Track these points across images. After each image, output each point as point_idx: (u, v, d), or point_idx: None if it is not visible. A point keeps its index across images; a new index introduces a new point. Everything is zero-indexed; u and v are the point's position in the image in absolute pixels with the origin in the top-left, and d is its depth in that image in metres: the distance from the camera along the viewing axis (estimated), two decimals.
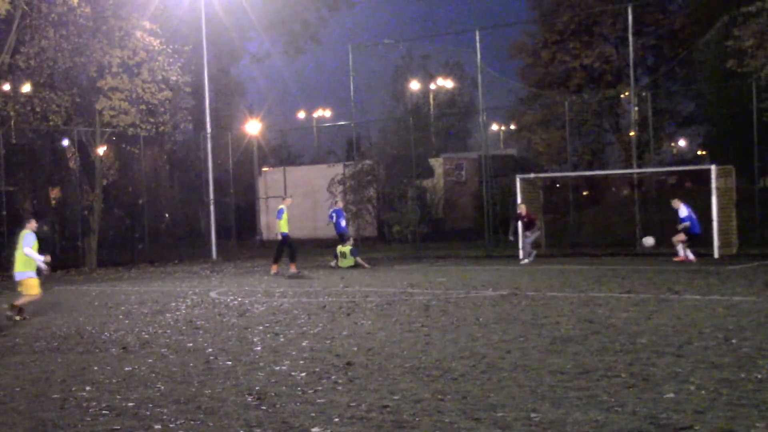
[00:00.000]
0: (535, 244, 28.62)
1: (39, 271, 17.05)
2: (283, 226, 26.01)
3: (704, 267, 23.35)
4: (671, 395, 8.24)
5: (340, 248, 28.35)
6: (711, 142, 44.21)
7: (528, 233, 28.01)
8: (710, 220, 26.91)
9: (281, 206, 26.46)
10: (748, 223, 30.01)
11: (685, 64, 41.76)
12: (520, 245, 28.44)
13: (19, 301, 16.75)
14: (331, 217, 29.56)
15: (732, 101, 34.55)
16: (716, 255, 26.54)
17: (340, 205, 31.77)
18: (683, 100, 45.34)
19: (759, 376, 8.89)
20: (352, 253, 28.08)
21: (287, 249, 26.24)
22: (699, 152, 50.97)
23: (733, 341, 11.07)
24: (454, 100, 53.78)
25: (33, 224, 17.15)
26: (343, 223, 29.64)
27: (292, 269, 25.84)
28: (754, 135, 31.11)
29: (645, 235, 27.78)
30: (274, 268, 26.36)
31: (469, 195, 46.52)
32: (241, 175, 45.80)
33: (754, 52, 30.62)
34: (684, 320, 13.15)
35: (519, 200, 29.71)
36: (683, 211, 25.93)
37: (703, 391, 8.34)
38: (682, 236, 25.74)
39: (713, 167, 27.62)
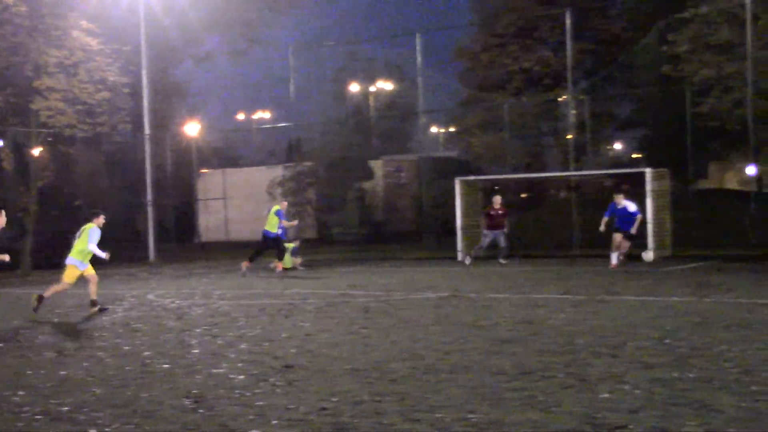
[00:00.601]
0: (491, 245, 28.19)
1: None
2: (272, 226, 25.88)
3: (640, 268, 23.67)
4: (607, 395, 8.35)
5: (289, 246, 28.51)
6: (647, 146, 44.86)
7: (487, 231, 27.76)
8: (645, 222, 27.27)
9: (279, 208, 26.41)
10: (682, 225, 30.47)
11: (623, 69, 42.31)
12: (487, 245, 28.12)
13: (47, 292, 17.19)
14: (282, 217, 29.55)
15: (667, 105, 35.09)
16: (651, 257, 26.87)
17: (285, 205, 31.62)
18: (620, 104, 45.91)
19: (692, 376, 9.04)
20: (292, 252, 28.07)
21: (257, 248, 26.51)
22: (635, 155, 51.65)
23: (668, 341, 11.25)
24: (394, 103, 53.85)
25: (101, 219, 17.46)
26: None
27: (244, 266, 25.82)
28: (687, 139, 31.62)
29: (575, 238, 27.86)
30: (279, 266, 26.19)
31: (409, 197, 46.63)
32: (181, 177, 45.43)
33: (688, 58, 31.13)
34: (620, 321, 13.33)
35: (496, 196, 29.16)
36: (632, 206, 24.21)
37: (637, 391, 8.46)
38: (626, 243, 24.15)
39: (648, 170, 28.02)
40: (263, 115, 67.06)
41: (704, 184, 45.47)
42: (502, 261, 27.38)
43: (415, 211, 42.97)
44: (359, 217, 39.11)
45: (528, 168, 44.09)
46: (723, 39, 30.31)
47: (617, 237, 24.00)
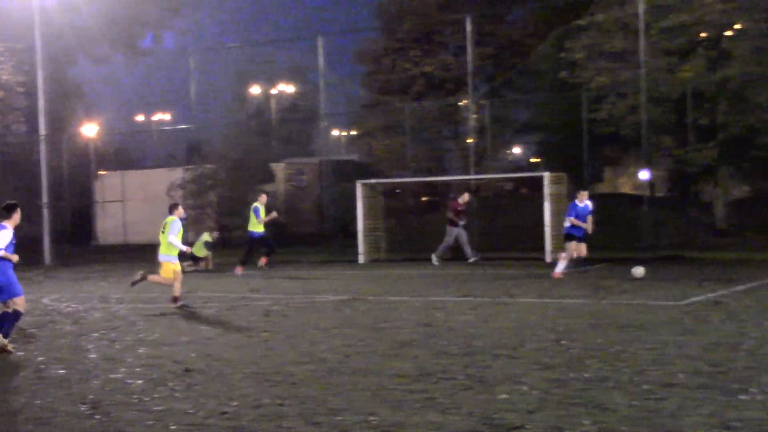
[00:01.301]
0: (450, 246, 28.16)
1: (182, 255, 17.83)
2: (255, 225, 25.96)
3: (538, 271, 24.04)
4: (505, 396, 8.48)
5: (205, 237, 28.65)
6: (545, 150, 45.59)
7: (455, 229, 27.66)
8: (543, 226, 27.74)
9: (257, 204, 26.22)
10: None
11: (522, 74, 42.98)
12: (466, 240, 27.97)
13: (153, 277, 17.83)
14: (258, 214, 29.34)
15: (564, 111, 35.76)
16: (548, 259, 27.35)
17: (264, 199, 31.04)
18: (519, 109, 46.59)
19: (587, 376, 9.24)
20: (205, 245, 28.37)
21: (247, 250, 26.69)
22: (533, 159, 52.48)
23: (564, 342, 11.47)
24: (296, 105, 53.76)
25: (180, 211, 17.99)
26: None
27: (239, 271, 25.89)
28: (584, 144, 32.26)
29: (468, 245, 27.96)
30: (263, 261, 26.29)
31: (311, 200, 46.57)
32: (78, 179, 44.58)
33: (585, 64, 31.80)
34: (518, 323, 13.54)
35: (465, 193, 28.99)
36: (591, 204, 22.01)
37: (535, 391, 8.62)
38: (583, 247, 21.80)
39: (546, 174, 28.48)
40: (163, 116, 66.26)
41: (600, 188, 46.42)
42: (434, 261, 27.38)
43: (317, 214, 42.96)
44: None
45: (429, 172, 44.43)
46: (617, 47, 31.03)
47: (572, 244, 21.41)
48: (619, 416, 7.59)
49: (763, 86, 29.33)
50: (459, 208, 27.87)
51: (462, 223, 28.08)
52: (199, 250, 28.43)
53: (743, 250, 28.94)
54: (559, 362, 10.10)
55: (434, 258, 27.61)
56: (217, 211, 41.78)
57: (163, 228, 17.44)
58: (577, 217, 21.21)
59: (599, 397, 8.27)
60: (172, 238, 17.24)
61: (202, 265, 28.25)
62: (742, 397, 8.09)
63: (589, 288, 18.77)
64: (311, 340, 12.43)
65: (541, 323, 13.41)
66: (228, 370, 10.38)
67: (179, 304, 17.22)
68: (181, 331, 13.90)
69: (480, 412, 7.92)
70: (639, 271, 20.29)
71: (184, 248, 17.57)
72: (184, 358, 11.26)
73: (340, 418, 7.89)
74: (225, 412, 8.22)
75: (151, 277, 17.80)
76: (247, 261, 26.34)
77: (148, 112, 68.66)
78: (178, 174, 41.24)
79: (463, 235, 28.00)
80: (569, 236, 21.45)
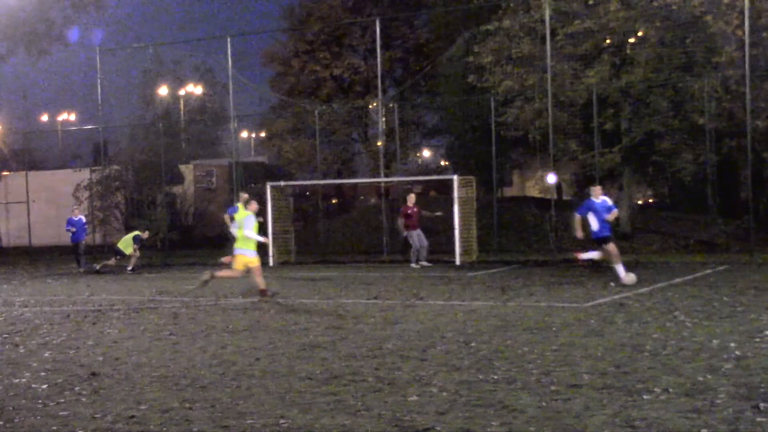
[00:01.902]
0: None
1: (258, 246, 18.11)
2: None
3: (446, 274, 24.25)
4: (415, 398, 8.53)
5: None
6: (453, 154, 46.02)
7: (409, 232, 27.23)
8: (452, 228, 27.98)
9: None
10: (487, 232, 31.46)
11: (430, 78, 43.32)
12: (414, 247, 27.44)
13: (220, 273, 18.31)
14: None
15: (473, 115, 36.13)
16: (457, 262, 27.61)
17: (77, 214, 30.77)
18: (428, 112, 46.96)
19: (495, 377, 9.36)
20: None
21: None
22: (443, 162, 52.92)
23: (473, 344, 11.58)
24: (205, 107, 53.30)
25: (254, 206, 18.32)
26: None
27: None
28: (492, 148, 32.64)
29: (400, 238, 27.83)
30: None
31: (220, 202, 46.22)
32: None
33: (492, 69, 32.17)
34: (428, 325, 13.63)
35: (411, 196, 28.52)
36: (609, 199, 20.24)
37: (444, 393, 8.69)
38: (614, 245, 19.62)
39: (455, 177, 28.74)
40: (69, 116, 65.12)
41: (508, 192, 47.05)
42: (414, 265, 26.92)
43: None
44: (168, 222, 38.47)
45: (339, 174, 44.48)
46: (524, 52, 31.46)
47: (613, 246, 19.34)
48: (527, 417, 7.70)
49: (664, 93, 30.06)
50: (408, 211, 27.62)
51: (407, 229, 27.51)
52: (127, 246, 28.44)
53: (646, 252, 29.62)
54: (468, 364, 10.20)
55: (413, 265, 26.96)
56: (123, 213, 41.23)
57: (239, 223, 18.06)
58: (595, 213, 19.27)
59: (507, 399, 8.38)
60: (248, 232, 17.70)
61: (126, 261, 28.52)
62: (646, 396, 8.27)
63: (497, 290, 19.00)
64: (220, 343, 12.35)
65: (450, 325, 13.52)
66: (135, 373, 10.25)
67: (270, 293, 17.90)
68: (87, 334, 13.68)
69: (390, 414, 7.96)
70: (631, 277, 18.97)
71: (262, 239, 18.22)
72: (91, 362, 11.09)
73: (250, 421, 7.86)
74: (132, 416, 8.12)
75: (220, 274, 18.21)
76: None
77: (53, 112, 67.43)
78: (84, 175, 40.60)
79: (414, 239, 27.58)
80: (604, 239, 19.29)
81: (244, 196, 26.02)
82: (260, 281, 18.05)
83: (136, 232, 29.15)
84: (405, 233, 27.55)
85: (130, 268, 28.61)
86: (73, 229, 29.89)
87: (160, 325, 14.67)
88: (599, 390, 8.62)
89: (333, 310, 16.20)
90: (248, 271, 18.05)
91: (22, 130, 55.15)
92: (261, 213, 31.62)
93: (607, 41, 31.06)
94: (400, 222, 27.90)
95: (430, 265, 26.90)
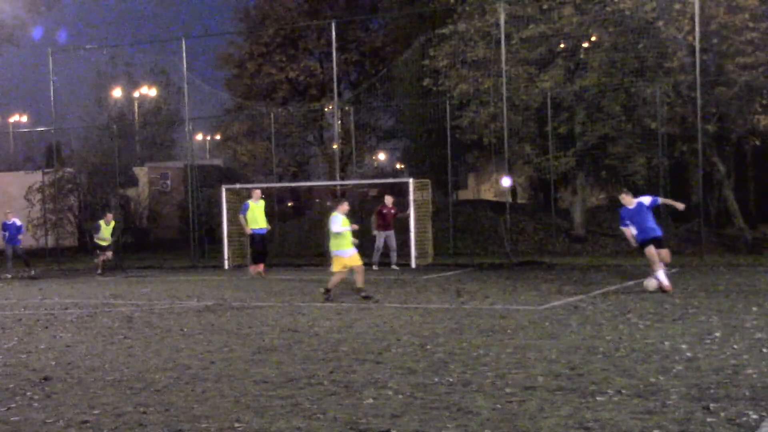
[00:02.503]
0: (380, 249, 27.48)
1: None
2: (256, 222, 25.25)
3: (401, 276, 24.28)
4: (370, 400, 8.55)
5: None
6: (409, 157, 46.12)
7: (378, 232, 27.06)
8: (407, 231, 28.04)
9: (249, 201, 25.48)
10: (442, 234, 31.57)
11: (386, 81, 43.38)
12: (380, 247, 27.29)
13: (331, 283, 17.94)
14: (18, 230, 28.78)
15: (428, 118, 36.24)
16: (413, 265, 27.66)
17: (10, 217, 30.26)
18: (384, 116, 47.02)
19: (450, 380, 9.39)
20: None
21: (254, 249, 26.10)
22: (398, 165, 53.03)
23: (428, 347, 11.62)
24: (159, 109, 52.99)
25: (345, 207, 18.32)
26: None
27: (253, 271, 25.66)
28: (448, 151, 32.77)
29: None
30: (260, 268, 25.34)
31: (175, 205, 45.96)
32: None
33: (448, 73, 32.30)
34: (383, 328, 13.65)
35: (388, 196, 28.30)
36: (646, 198, 18.66)
37: (400, 396, 8.71)
38: (652, 249, 17.91)
39: (411, 180, 28.80)
40: (20, 118, 64.39)
41: (463, 195, 47.21)
42: (395, 267, 26.83)
43: (181, 218, 42.43)
44: (122, 225, 38.19)
45: (294, 177, 44.39)
46: (479, 55, 31.62)
47: (650, 250, 17.86)
48: (482, 419, 7.74)
49: (616, 97, 30.36)
50: (384, 210, 27.45)
51: (377, 229, 27.36)
52: (104, 239, 28.27)
53: (599, 255, 29.89)
54: (423, 367, 10.23)
55: (374, 267, 26.70)
56: (77, 216, 40.86)
57: (330, 224, 18.04)
58: (631, 220, 18.27)
59: (462, 401, 8.41)
60: (336, 227, 17.77)
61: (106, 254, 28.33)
62: (599, 398, 8.35)
63: (451, 293, 19.07)
64: (174, 347, 12.28)
65: (405, 328, 13.55)
66: (89, 377, 10.17)
67: (363, 294, 17.90)
68: (39, 338, 13.54)
69: (345, 417, 7.96)
70: (652, 283, 17.75)
71: (353, 227, 18.07)
72: (43, 366, 10.98)
73: (205, 424, 7.82)
74: (86, 421, 8.05)
75: (331, 284, 17.96)
76: (259, 259, 25.91)
77: (5, 113, 66.63)
78: (36, 177, 40.17)
79: (381, 240, 27.47)
80: (643, 242, 18.13)
81: (257, 192, 25.85)
82: (360, 280, 18.05)
83: (100, 222, 28.65)
84: (375, 232, 27.46)
85: (98, 271, 28.18)
86: (6, 233, 29.39)
87: (113, 328, 14.56)
88: (553, 392, 8.68)
89: (288, 313, 16.17)
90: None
91: None
92: (216, 216, 31.60)
93: (561, 46, 31.33)
94: (373, 219, 27.74)
95: (397, 269, 26.82)
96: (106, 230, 28.51)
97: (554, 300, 17.00)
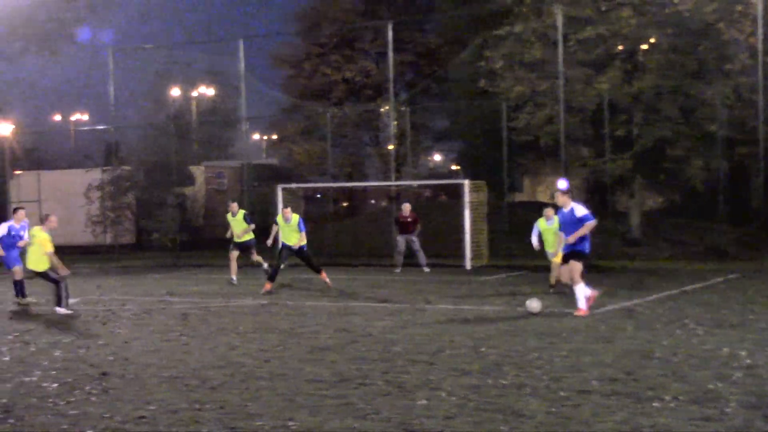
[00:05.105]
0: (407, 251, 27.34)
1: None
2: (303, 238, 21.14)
3: (456, 278, 24.23)
4: (424, 402, 8.54)
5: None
6: (464, 158, 46.01)
7: (413, 237, 26.88)
8: (463, 233, 27.97)
9: (296, 215, 21.46)
10: (497, 236, 31.43)
11: (441, 82, 43.33)
12: (402, 251, 27.19)
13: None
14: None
15: (484, 119, 36.10)
16: (467, 266, 27.59)
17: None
18: (439, 117, 46.94)
19: (504, 382, 9.35)
20: None
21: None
22: (453, 167, 52.91)
23: (482, 349, 11.58)
24: (216, 108, 53.42)
25: (549, 213, 19.27)
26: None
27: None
28: (503, 152, 32.63)
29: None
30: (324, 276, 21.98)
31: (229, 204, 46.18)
32: None
33: (503, 74, 32.15)
34: (436, 329, 13.63)
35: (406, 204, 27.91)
36: (580, 209, 15.65)
37: (453, 398, 8.69)
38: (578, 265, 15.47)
39: (466, 182, 28.71)
40: (81, 116, 65.25)
41: (519, 197, 46.95)
42: (425, 269, 26.66)
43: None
44: (179, 223, 38.53)
45: (349, 177, 44.48)
46: (536, 57, 31.44)
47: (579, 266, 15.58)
48: (536, 422, 7.70)
49: (675, 99, 30.02)
50: (401, 219, 27.45)
51: (399, 234, 27.29)
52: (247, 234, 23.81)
53: (655, 259, 29.56)
54: (476, 368, 10.20)
55: (425, 268, 26.65)
56: (134, 213, 41.30)
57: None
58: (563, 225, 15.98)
59: (516, 404, 8.38)
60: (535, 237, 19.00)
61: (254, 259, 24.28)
62: (655, 404, 8.26)
63: (506, 295, 18.99)
64: (229, 345, 12.37)
65: (458, 329, 13.52)
66: (145, 373, 10.28)
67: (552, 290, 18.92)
68: (98, 334, 13.72)
69: (398, 417, 7.96)
70: (534, 304, 15.57)
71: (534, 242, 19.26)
72: (101, 362, 11.12)
73: (259, 422, 7.87)
74: (142, 417, 8.14)
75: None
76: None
77: (66, 112, 67.56)
78: (95, 175, 40.67)
79: (400, 245, 27.43)
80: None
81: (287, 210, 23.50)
82: (553, 276, 19.13)
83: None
84: (396, 238, 27.54)
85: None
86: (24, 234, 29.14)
87: (169, 325, 14.71)
88: (608, 396, 8.61)
89: (341, 313, 16.21)
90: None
91: (34, 130, 55.33)
92: (272, 215, 31.71)
93: (619, 47, 31.04)
94: (394, 228, 27.90)
95: (427, 270, 26.67)
96: (236, 223, 23.95)
97: (609, 304, 16.85)
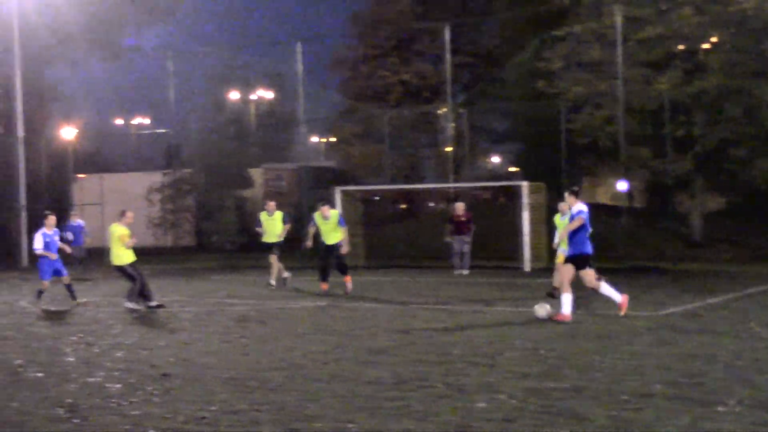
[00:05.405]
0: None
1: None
2: (329, 237, 20.76)
3: (515, 280, 24.11)
4: (483, 404, 8.50)
5: None
6: (522, 160, 45.75)
7: (467, 238, 26.92)
8: (521, 235, 27.82)
9: (335, 211, 21.43)
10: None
11: (499, 83, 43.14)
12: (458, 251, 27.08)
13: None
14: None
15: (542, 121, 35.90)
16: (527, 268, 27.43)
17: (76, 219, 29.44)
18: (497, 118, 46.76)
19: (564, 385, 9.28)
20: None
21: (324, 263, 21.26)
22: (512, 168, 52.63)
23: (541, 352, 11.50)
24: (274, 111, 53.75)
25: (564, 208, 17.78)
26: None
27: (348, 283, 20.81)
28: (561, 154, 32.41)
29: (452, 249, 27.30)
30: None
31: (289, 206, 46.43)
32: (55, 182, 44.33)
33: (562, 75, 31.94)
34: (495, 331, 13.57)
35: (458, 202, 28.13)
36: (577, 207, 15.39)
37: (513, 400, 8.64)
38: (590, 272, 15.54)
39: (525, 184, 28.56)
40: (142, 120, 66.06)
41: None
42: (464, 272, 26.62)
43: (295, 219, 42.87)
44: (238, 225, 38.81)
45: (406, 179, 44.45)
46: (595, 57, 31.20)
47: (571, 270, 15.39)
48: (597, 426, 7.62)
49: (737, 99, 29.57)
50: (455, 219, 27.41)
51: (451, 234, 27.25)
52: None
53: (718, 262, 29.15)
54: (536, 371, 10.14)
55: (463, 271, 26.66)
56: (194, 216, 41.69)
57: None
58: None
59: (577, 407, 8.30)
60: (562, 234, 16.87)
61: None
62: (719, 408, 8.14)
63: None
64: (288, 347, 12.42)
65: (518, 332, 13.45)
66: (205, 374, 10.36)
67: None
68: (159, 336, 13.86)
69: (457, 420, 7.93)
70: (543, 310, 15.21)
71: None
72: (162, 363, 11.23)
73: (318, 424, 7.89)
74: (203, 417, 8.20)
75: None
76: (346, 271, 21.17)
77: (127, 116, 68.40)
78: (156, 178, 41.13)
79: (455, 245, 27.34)
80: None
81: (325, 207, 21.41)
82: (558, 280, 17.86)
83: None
84: (448, 239, 27.39)
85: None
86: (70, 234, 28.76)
87: (229, 327, 14.81)
88: (671, 400, 8.50)
89: (400, 314, 16.20)
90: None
91: (96, 133, 56.09)
92: None
93: (680, 47, 30.68)
94: (447, 228, 27.70)
95: (465, 273, 26.49)
96: (272, 223, 23.34)
97: (671, 306, 16.66)
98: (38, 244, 18.74)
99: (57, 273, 18.92)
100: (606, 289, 15.44)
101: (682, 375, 9.74)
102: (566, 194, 15.86)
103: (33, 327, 15.38)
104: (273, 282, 22.46)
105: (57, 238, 19.00)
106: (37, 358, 11.86)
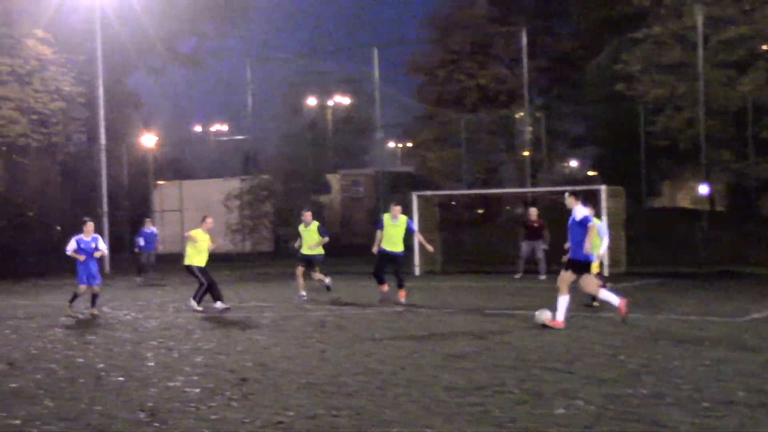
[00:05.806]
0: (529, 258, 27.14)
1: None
2: (393, 244, 19.80)
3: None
4: (561, 411, 8.42)
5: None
6: (601, 163, 45.32)
7: (541, 244, 26.71)
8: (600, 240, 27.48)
9: (404, 216, 20.13)
10: (635, 243, 30.80)
11: (576, 87, 42.78)
12: (524, 257, 27.08)
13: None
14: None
15: (620, 124, 35.51)
16: (606, 273, 27.10)
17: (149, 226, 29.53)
18: (574, 121, 46.40)
19: (644, 392, 9.14)
20: None
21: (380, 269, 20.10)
22: (590, 172, 52.15)
23: (620, 357, 11.36)
24: (351, 117, 54.03)
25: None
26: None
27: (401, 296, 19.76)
28: (641, 157, 32.00)
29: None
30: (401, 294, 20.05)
31: (366, 211, 46.65)
32: (136, 188, 45.14)
33: (641, 77, 31.55)
34: (573, 337, 13.43)
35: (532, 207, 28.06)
36: (579, 211, 15.17)
37: (591, 407, 8.54)
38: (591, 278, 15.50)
39: (603, 188, 28.23)
40: (220, 127, 66.99)
41: (658, 202, 45.98)
42: (541, 277, 26.32)
43: (371, 225, 43.03)
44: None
45: (484, 184, 44.32)
46: (675, 59, 30.76)
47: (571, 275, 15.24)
48: None
49: None
50: (528, 224, 27.28)
51: (525, 239, 27.21)
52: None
53: None
54: (615, 377, 10.01)
55: (542, 276, 26.31)
56: (272, 222, 42.06)
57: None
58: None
59: (657, 414, 8.18)
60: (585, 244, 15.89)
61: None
62: None
63: (644, 302, 18.60)
64: (365, 352, 12.44)
65: (596, 337, 13.30)
66: (283, 379, 10.42)
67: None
68: (237, 341, 14.00)
69: (535, 426, 7.87)
70: (544, 316, 14.90)
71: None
72: (240, 367, 11.33)
73: (395, 430, 7.89)
74: (281, 422, 8.25)
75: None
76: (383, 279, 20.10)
77: (206, 123, 69.41)
78: (234, 184, 41.61)
79: (525, 250, 27.26)
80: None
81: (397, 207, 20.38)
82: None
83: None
84: (521, 242, 27.32)
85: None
86: (141, 240, 28.99)
87: (306, 332, 14.89)
88: (755, 408, 8.33)
89: (477, 320, 16.14)
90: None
91: (176, 140, 56.99)
92: None
93: (764, 47, 30.10)
94: (520, 233, 27.67)
95: (543, 278, 26.04)
96: (308, 234, 21.94)
97: (754, 312, 16.33)
98: (70, 246, 18.48)
99: (90, 280, 18.58)
100: (605, 294, 15.19)
101: (767, 382, 9.53)
102: (566, 195, 15.54)
103: (114, 332, 15.64)
104: (303, 293, 21.41)
105: (94, 245, 18.61)
106: (119, 362, 12.06)
